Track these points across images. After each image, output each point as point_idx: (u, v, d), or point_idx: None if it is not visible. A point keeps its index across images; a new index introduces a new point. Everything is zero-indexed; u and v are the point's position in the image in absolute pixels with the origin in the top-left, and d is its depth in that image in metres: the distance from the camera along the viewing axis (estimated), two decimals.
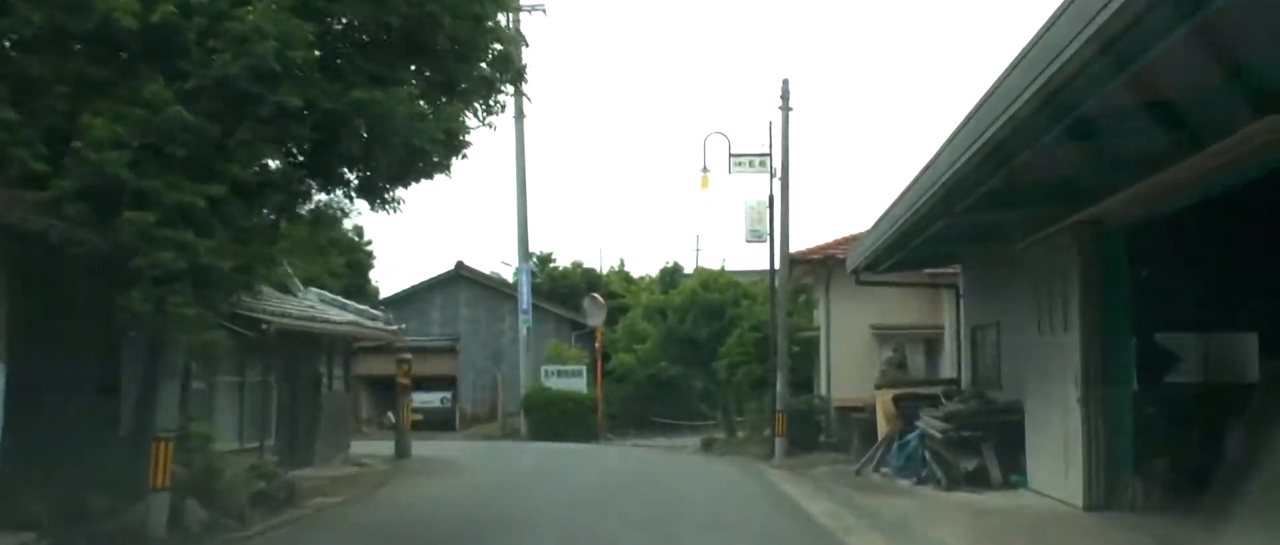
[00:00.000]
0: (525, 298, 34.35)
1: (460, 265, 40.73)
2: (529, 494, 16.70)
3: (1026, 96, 8.83)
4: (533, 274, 47.45)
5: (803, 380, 26.27)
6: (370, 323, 24.15)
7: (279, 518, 13.64)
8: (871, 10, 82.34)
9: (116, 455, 11.90)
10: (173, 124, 10.11)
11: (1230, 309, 13.79)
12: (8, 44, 10.74)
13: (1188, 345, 14.35)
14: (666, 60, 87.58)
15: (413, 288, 41.40)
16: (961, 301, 20.49)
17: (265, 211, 11.96)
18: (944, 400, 17.65)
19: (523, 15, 23.18)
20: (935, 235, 16.05)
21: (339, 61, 11.38)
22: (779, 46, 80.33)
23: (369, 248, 48.08)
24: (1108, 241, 12.82)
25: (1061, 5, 7.89)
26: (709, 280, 28.93)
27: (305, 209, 12.58)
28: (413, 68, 11.97)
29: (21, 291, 10.55)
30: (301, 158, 11.84)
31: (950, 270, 22.28)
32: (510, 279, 38.78)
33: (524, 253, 34.67)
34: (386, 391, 38.25)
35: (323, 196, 12.89)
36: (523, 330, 34.50)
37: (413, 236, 75.31)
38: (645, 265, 78.97)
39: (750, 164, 24.53)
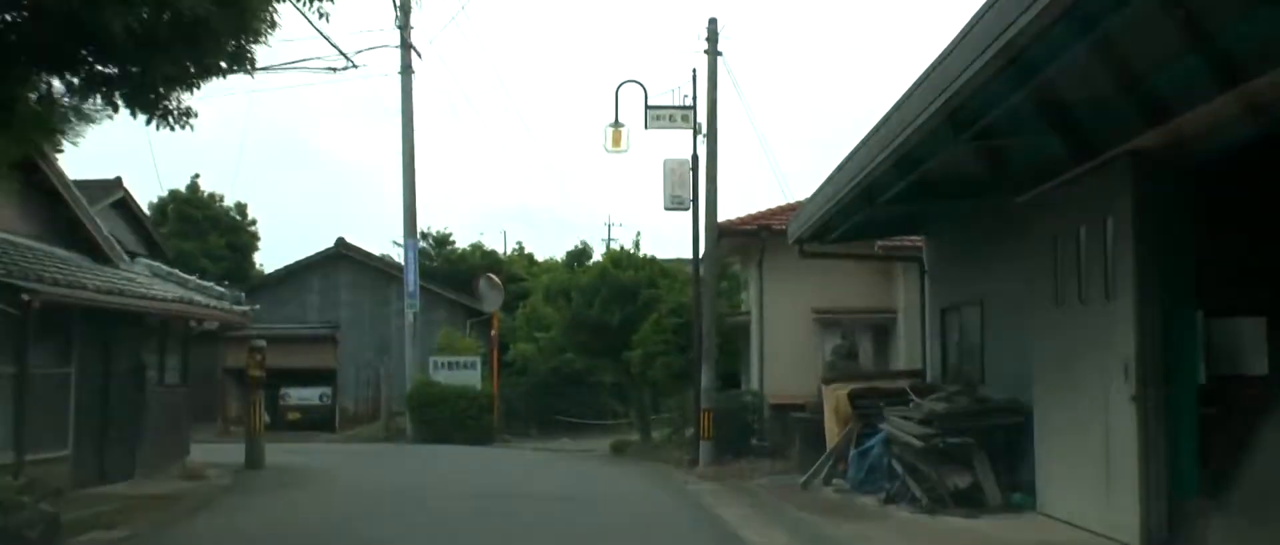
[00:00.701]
0: (412, 278, 30.18)
1: (341, 242, 36.06)
2: (378, 527, 12.54)
3: None
4: (428, 257, 43.38)
5: (728, 374, 22.70)
6: (212, 302, 19.87)
7: None
8: None
9: None
10: None
11: None
12: None
13: (1251, 328, 10.99)
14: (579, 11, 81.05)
15: (287, 267, 36.93)
16: (927, 278, 17.09)
17: None
18: (913, 397, 14.14)
19: None
20: (906, 192, 12.61)
21: None
22: None
23: (253, 228, 44.26)
24: (1170, 180, 9.35)
25: None
26: (621, 257, 24.96)
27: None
28: None
29: None
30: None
31: (907, 243, 18.96)
32: (400, 260, 34.47)
33: (411, 225, 30.39)
34: (265, 387, 34.06)
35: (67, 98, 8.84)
36: (409, 316, 30.33)
37: (300, 218, 69.99)
38: (553, 249, 75.04)
39: (671, 119, 20.85)
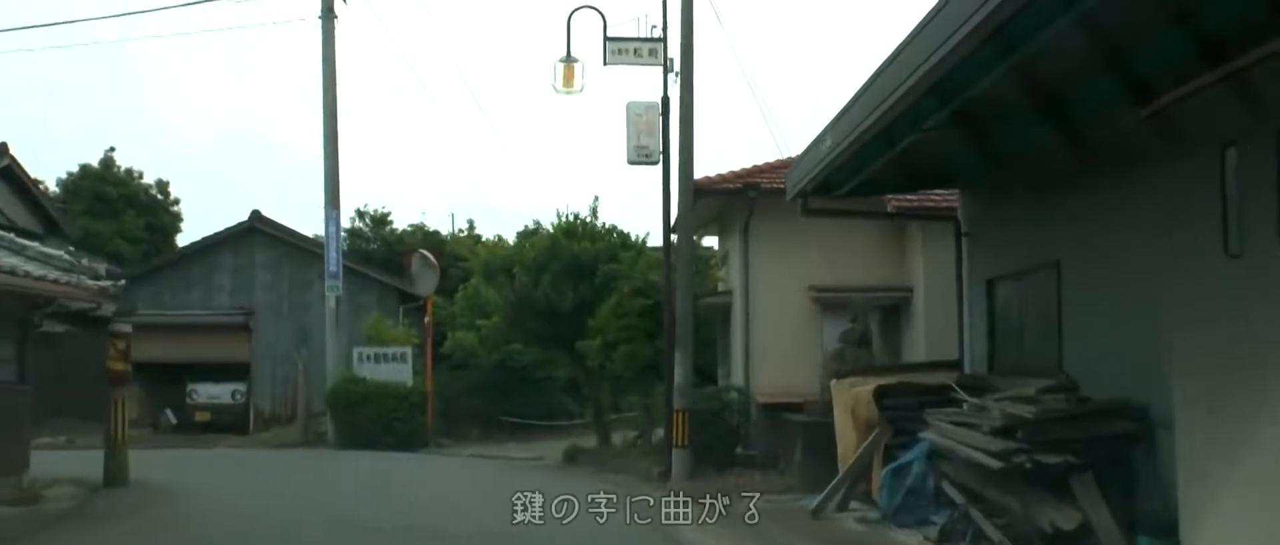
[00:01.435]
0: (334, 256, 25.99)
1: (257, 215, 31.52)
2: None
3: None
4: (364, 238, 39.14)
5: (705, 366, 18.93)
6: (63, 274, 15.66)
7: None
8: None
9: None
10: None
11: None
12: None
13: None
14: None
15: (194, 244, 32.64)
16: (965, 241, 13.36)
17: None
18: (963, 396, 10.37)
19: None
20: (942, 128, 9.02)
21: None
22: None
23: (176, 208, 40.97)
24: None
25: None
26: (574, 226, 20.90)
27: None
28: None
29: None
30: None
31: (928, 202, 15.37)
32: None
33: (333, 194, 26.09)
34: (172, 383, 29.95)
35: None
36: (331, 300, 26.14)
37: (224, 197, 64.97)
38: (504, 229, 70.72)
39: (636, 52, 17.15)
